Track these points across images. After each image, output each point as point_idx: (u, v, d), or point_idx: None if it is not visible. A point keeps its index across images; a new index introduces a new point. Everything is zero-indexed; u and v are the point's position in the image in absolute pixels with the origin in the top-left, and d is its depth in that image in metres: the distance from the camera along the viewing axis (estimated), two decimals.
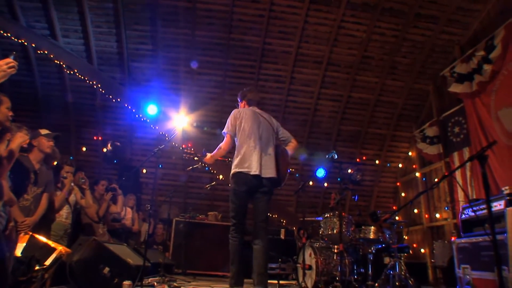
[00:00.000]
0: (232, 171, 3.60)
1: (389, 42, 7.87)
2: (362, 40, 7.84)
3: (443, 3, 7.17)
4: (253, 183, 3.51)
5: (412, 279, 3.98)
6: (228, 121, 3.74)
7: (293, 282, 5.53)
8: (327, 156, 4.71)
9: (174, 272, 6.04)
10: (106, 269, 2.93)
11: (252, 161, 3.55)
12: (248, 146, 3.61)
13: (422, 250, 8.11)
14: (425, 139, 8.07)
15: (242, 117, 3.74)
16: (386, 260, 4.67)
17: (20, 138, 3.00)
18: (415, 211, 8.51)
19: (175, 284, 4.48)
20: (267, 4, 7.41)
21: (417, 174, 8.60)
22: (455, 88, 6.90)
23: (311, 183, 8.54)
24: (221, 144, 3.71)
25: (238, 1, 7.43)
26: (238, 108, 4.03)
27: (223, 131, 3.74)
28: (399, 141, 9.10)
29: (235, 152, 3.66)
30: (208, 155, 3.79)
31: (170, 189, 7.32)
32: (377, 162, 9.10)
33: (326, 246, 4.88)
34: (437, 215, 7.84)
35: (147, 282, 4.02)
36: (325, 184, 8.81)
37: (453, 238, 5.36)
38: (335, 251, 4.57)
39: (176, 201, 8.20)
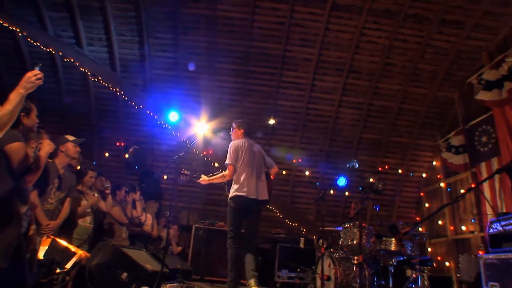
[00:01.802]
0: (232, 194, 4.24)
1: (412, 49, 7.75)
2: (384, 47, 7.76)
3: (469, 8, 7.01)
4: (249, 204, 4.22)
5: None
6: (231, 153, 4.36)
7: None
8: (348, 165, 4.68)
9: (192, 279, 6.06)
10: (124, 274, 2.98)
11: (250, 187, 4.25)
12: (246, 174, 4.29)
13: (447, 264, 7.86)
14: (450, 149, 7.87)
15: (242, 149, 4.41)
16: (408, 272, 4.55)
17: (48, 146, 3.10)
18: (439, 222, 8.28)
19: None
20: (288, 12, 7.44)
21: (442, 184, 8.38)
22: (483, 95, 6.70)
23: (331, 191, 8.45)
24: (224, 173, 4.39)
25: (259, 9, 7.50)
26: (232, 131, 4.73)
27: (226, 162, 4.36)
28: (422, 150, 8.90)
29: (234, 177, 4.31)
30: (203, 177, 4.52)
31: (190, 196, 7.39)
32: (399, 171, 8.92)
33: (345, 257, 4.81)
34: (463, 228, 7.60)
35: None
36: (346, 193, 8.69)
37: (480, 253, 5.18)
38: (355, 262, 4.50)
39: (195, 208, 8.25)
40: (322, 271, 4.71)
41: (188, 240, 6.78)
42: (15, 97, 2.21)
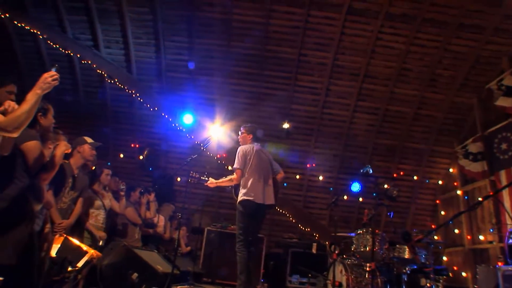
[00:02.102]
0: (240, 198, 4.34)
1: (429, 54, 7.64)
2: (400, 51, 7.66)
3: (489, 11, 6.88)
4: (256, 209, 4.33)
5: None
6: (239, 158, 4.45)
7: None
8: (362, 170, 4.63)
9: (203, 281, 6.07)
10: (135, 275, 3.00)
11: (257, 191, 4.36)
12: (254, 179, 4.40)
13: (463, 274, 7.67)
14: (467, 156, 7.70)
15: (250, 154, 4.50)
16: (422, 281, 4.44)
17: (64, 147, 3.15)
18: (456, 231, 8.10)
19: None
20: (303, 16, 7.42)
21: (459, 192, 8.20)
22: (503, 101, 6.55)
23: (345, 197, 8.36)
24: (232, 177, 4.48)
25: (274, 13, 7.51)
26: (240, 135, 4.82)
27: (235, 166, 4.45)
28: (439, 156, 8.73)
29: (242, 182, 4.42)
30: (211, 180, 4.66)
31: (203, 198, 7.40)
32: (415, 178, 8.77)
33: (357, 264, 4.74)
34: (481, 237, 7.40)
35: None
36: (360, 199, 8.58)
37: (499, 264, 5.04)
38: (367, 269, 4.42)
39: (208, 210, 8.27)
40: (334, 277, 4.66)
41: (200, 242, 6.79)
42: (32, 97, 2.25)
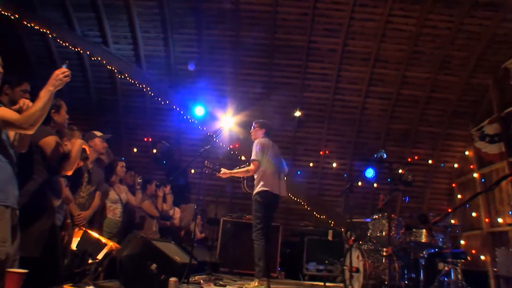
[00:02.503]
0: (259, 189, 4.49)
1: (441, 35, 7.48)
2: (411, 34, 7.52)
3: None
4: (273, 200, 4.54)
5: None
6: (257, 150, 4.59)
7: (340, 284, 5.42)
8: (375, 156, 4.61)
9: (221, 271, 6.15)
10: (154, 266, 3.06)
11: (274, 183, 4.56)
12: (271, 171, 4.59)
13: (482, 257, 7.59)
14: (484, 138, 7.57)
15: (267, 147, 4.68)
16: (440, 266, 4.41)
17: (80, 141, 3.20)
18: (473, 214, 8.01)
19: (221, 282, 4.56)
20: (311, 2, 7.33)
21: (475, 175, 8.08)
22: None
23: (359, 183, 8.31)
24: (249, 168, 4.60)
25: (282, 1, 7.43)
26: (253, 130, 4.96)
27: (252, 158, 4.58)
28: (454, 139, 8.60)
29: (259, 174, 4.56)
30: (223, 170, 4.73)
31: (217, 189, 7.47)
32: (429, 162, 8.68)
33: (374, 249, 4.75)
34: (500, 220, 7.31)
35: (193, 279, 4.13)
36: (375, 185, 8.54)
37: None
38: (384, 254, 4.42)
39: (223, 201, 8.33)
40: (351, 263, 4.66)
41: (216, 233, 6.87)
42: (44, 94, 2.29)
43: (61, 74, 2.36)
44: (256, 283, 4.32)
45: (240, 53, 8.08)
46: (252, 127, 5.03)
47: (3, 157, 2.28)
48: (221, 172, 4.75)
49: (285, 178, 4.86)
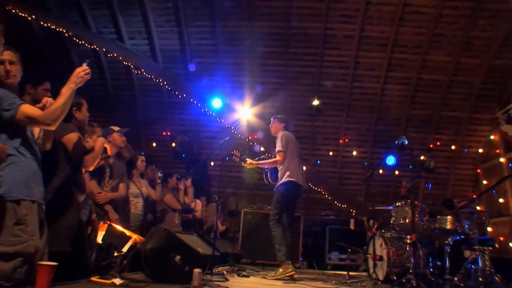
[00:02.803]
0: (285, 179, 4.65)
1: (463, 16, 7.25)
2: (431, 16, 7.32)
3: None
4: (297, 190, 4.77)
5: (499, 276, 3.65)
6: (283, 141, 4.77)
7: (364, 273, 5.40)
8: (396, 142, 4.56)
9: (243, 262, 6.21)
10: (177, 257, 3.12)
11: (299, 174, 4.76)
12: (295, 163, 4.78)
13: (511, 245, 7.42)
14: (510, 121, 7.34)
15: (291, 140, 4.89)
16: (467, 253, 4.31)
17: (102, 139, 3.27)
18: (500, 200, 7.81)
19: (244, 273, 4.62)
20: None
21: (502, 160, 7.86)
22: None
23: (380, 171, 8.24)
24: (276, 159, 4.76)
25: None
26: (272, 124, 5.12)
27: (279, 149, 4.75)
28: (478, 124, 8.38)
29: (284, 165, 4.73)
30: (249, 160, 4.82)
31: (238, 181, 7.50)
32: (453, 147, 8.49)
33: (397, 237, 4.71)
34: None
35: (216, 270, 4.18)
36: (396, 172, 8.44)
37: None
38: (408, 241, 4.36)
39: (243, 193, 8.38)
40: (374, 251, 4.64)
41: (238, 225, 6.94)
42: (66, 91, 2.35)
43: (82, 71, 2.42)
44: (281, 270, 4.37)
45: (256, 43, 8.04)
46: (271, 122, 5.17)
47: (28, 154, 2.35)
48: (247, 162, 4.81)
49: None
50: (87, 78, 2.45)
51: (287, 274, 4.31)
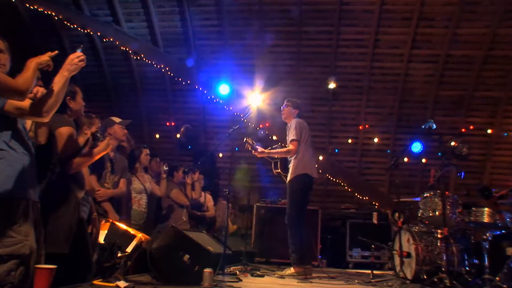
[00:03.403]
0: (299, 172, 4.63)
1: None
2: None
3: None
4: (311, 183, 4.76)
5: None
6: (297, 130, 4.74)
7: (390, 272, 5.36)
8: (423, 127, 4.48)
9: (257, 261, 6.21)
10: (186, 257, 3.11)
11: (312, 166, 4.80)
12: (309, 153, 4.79)
13: None
14: None
15: (305, 129, 4.86)
16: (509, 250, 4.19)
17: (106, 145, 3.24)
18: None
19: (258, 272, 4.61)
20: None
21: None
22: None
23: (405, 159, 8.14)
24: (290, 148, 4.72)
25: None
26: (285, 108, 5.05)
27: (293, 138, 4.71)
28: None
29: (298, 155, 4.71)
30: (261, 149, 4.83)
31: (249, 173, 7.49)
32: (489, 131, 8.31)
33: (427, 231, 4.66)
34: None
35: (228, 270, 4.18)
36: (423, 160, 8.33)
37: None
38: (439, 236, 4.30)
39: (255, 186, 8.38)
40: (401, 247, 4.60)
41: (250, 220, 6.92)
42: (59, 80, 2.33)
43: (76, 58, 2.39)
44: (292, 270, 4.43)
45: (265, 23, 7.96)
46: (283, 106, 5.08)
47: (20, 148, 2.34)
48: (258, 150, 4.81)
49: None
50: (82, 65, 2.42)
51: (299, 277, 4.36)
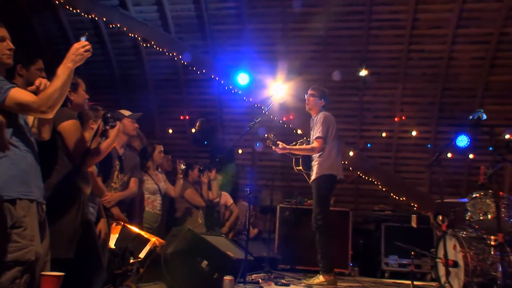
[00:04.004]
0: (324, 172, 4.73)
1: None
2: None
3: None
4: (335, 185, 4.93)
5: None
6: (324, 126, 4.79)
7: (433, 283, 5.27)
8: (470, 118, 4.37)
9: (281, 268, 6.20)
10: (204, 263, 3.11)
11: (339, 166, 4.92)
12: (336, 151, 4.88)
13: None
14: None
15: (332, 124, 4.93)
16: None
17: (116, 132, 3.23)
18: None
19: (283, 281, 4.64)
20: None
21: None
22: None
23: (449, 155, 7.97)
24: (314, 146, 4.78)
25: None
26: (310, 97, 5.04)
27: (319, 135, 4.76)
28: None
29: (324, 154, 4.80)
30: (282, 145, 4.80)
31: (271, 171, 7.45)
32: None
33: (477, 237, 4.58)
34: None
35: (250, 278, 4.18)
36: (470, 156, 8.15)
37: None
38: (492, 243, 4.19)
39: (279, 185, 8.36)
40: (446, 255, 4.48)
41: (273, 223, 6.91)
42: (63, 72, 2.32)
43: (81, 47, 2.38)
44: (321, 279, 4.48)
45: (287, 4, 7.91)
46: (308, 95, 5.06)
47: (22, 145, 2.35)
48: (280, 146, 4.80)
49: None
50: (88, 55, 2.41)
51: (329, 287, 4.47)
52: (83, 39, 2.43)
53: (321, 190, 4.76)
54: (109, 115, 3.01)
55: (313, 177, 4.81)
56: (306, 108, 5.13)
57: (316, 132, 4.81)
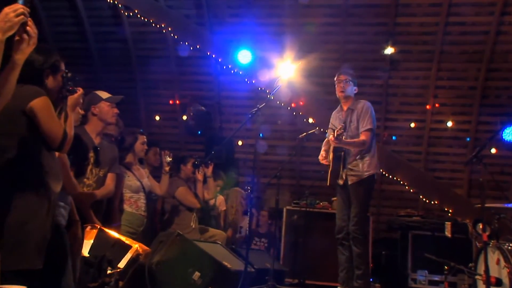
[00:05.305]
0: (372, 171, 4.87)
1: None
2: None
3: None
4: None
5: None
6: (372, 116, 4.95)
7: None
8: None
9: (287, 283, 6.23)
10: (197, 274, 3.12)
11: (377, 163, 5.09)
12: (376, 146, 5.08)
13: None
14: None
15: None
16: None
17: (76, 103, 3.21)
18: None
19: None
20: None
21: None
22: None
23: (493, 150, 7.99)
24: (365, 140, 4.85)
25: None
26: (348, 84, 5.05)
27: (370, 127, 4.88)
28: None
29: (371, 149, 4.95)
30: (331, 136, 4.65)
31: (278, 167, 7.47)
32: None
33: None
34: None
35: None
36: None
37: None
38: None
39: (286, 184, 8.41)
40: (487, 270, 4.48)
41: (279, 228, 6.95)
42: None
43: (12, 12, 2.33)
44: None
45: None
46: (344, 81, 5.02)
47: None
48: (331, 138, 4.74)
49: None
50: (20, 21, 2.31)
51: None
52: (20, 2, 2.37)
53: (370, 192, 5.01)
54: (69, 74, 2.84)
55: (359, 176, 4.83)
56: (338, 94, 5.09)
57: (366, 123, 4.88)
